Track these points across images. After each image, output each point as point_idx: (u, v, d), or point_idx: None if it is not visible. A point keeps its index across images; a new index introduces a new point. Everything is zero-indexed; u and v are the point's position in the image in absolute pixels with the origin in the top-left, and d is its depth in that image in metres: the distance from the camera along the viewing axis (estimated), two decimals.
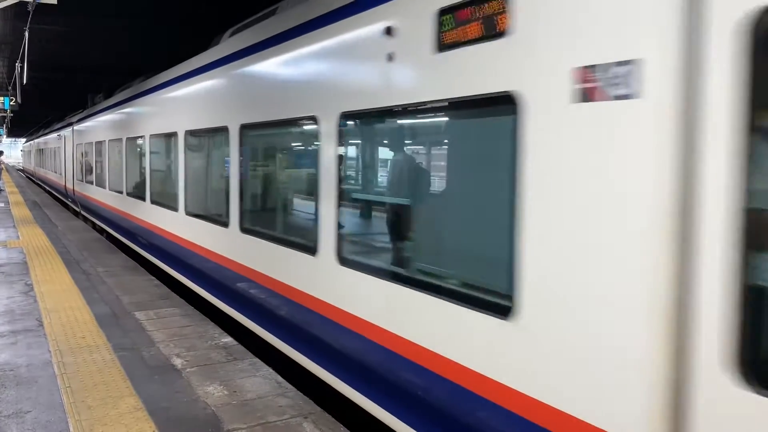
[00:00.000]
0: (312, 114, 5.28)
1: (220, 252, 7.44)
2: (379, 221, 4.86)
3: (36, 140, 44.81)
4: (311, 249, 5.27)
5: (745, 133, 2.25)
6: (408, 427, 4.12)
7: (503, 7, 3.19)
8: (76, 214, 21.26)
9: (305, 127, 5.73)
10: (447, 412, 3.69)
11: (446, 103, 3.77)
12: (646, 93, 2.51)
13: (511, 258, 3.18)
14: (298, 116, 5.61)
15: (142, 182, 11.24)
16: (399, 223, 4.55)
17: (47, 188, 34.09)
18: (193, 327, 7.19)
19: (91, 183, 16.88)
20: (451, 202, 4.07)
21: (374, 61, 4.41)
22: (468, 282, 3.73)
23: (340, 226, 4.88)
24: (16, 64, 17.29)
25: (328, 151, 5.03)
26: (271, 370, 5.82)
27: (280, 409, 4.91)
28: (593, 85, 2.71)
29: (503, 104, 3.19)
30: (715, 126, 2.31)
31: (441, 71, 3.68)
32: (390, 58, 4.20)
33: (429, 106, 3.91)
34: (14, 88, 22.68)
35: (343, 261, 4.80)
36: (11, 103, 25.86)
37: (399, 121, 4.60)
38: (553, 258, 2.93)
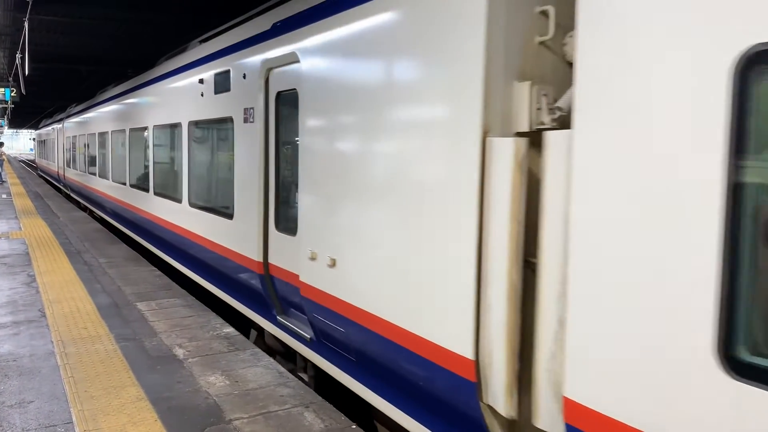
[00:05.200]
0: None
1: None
2: None
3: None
4: None
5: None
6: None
7: None
8: None
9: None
10: None
11: None
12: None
13: None
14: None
15: None
16: None
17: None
18: (194, 317, 7.22)
19: None
20: None
21: None
22: None
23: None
24: (17, 55, 17.22)
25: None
26: (272, 360, 5.85)
27: (281, 399, 4.93)
28: None
29: None
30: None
31: None
32: None
33: None
34: (15, 80, 22.40)
35: None
36: (12, 94, 25.77)
37: None
38: None
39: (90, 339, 6.34)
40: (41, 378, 5.31)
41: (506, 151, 3.20)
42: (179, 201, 8.92)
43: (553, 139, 3.00)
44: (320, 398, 4.98)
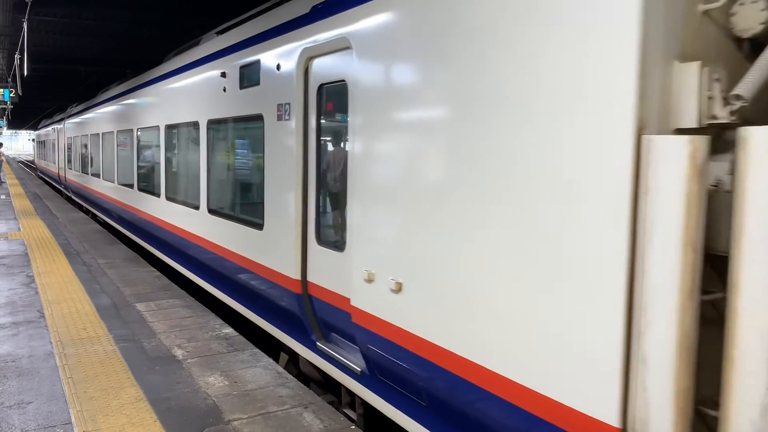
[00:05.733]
0: None
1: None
2: None
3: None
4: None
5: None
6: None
7: None
8: None
9: None
10: None
11: None
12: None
13: None
14: None
15: None
16: None
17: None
18: (193, 318, 7.22)
19: None
20: None
21: None
22: None
23: None
24: (15, 55, 17.21)
25: None
26: (271, 360, 5.85)
27: (280, 400, 4.93)
28: None
29: None
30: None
31: None
32: None
33: None
34: (14, 80, 22.36)
35: None
36: (11, 95, 25.75)
37: None
38: None
39: (89, 340, 6.34)
40: (40, 379, 5.31)
41: (678, 154, 2.41)
42: (196, 207, 8.14)
43: (762, 137, 2.24)
44: (319, 399, 4.97)
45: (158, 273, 9.75)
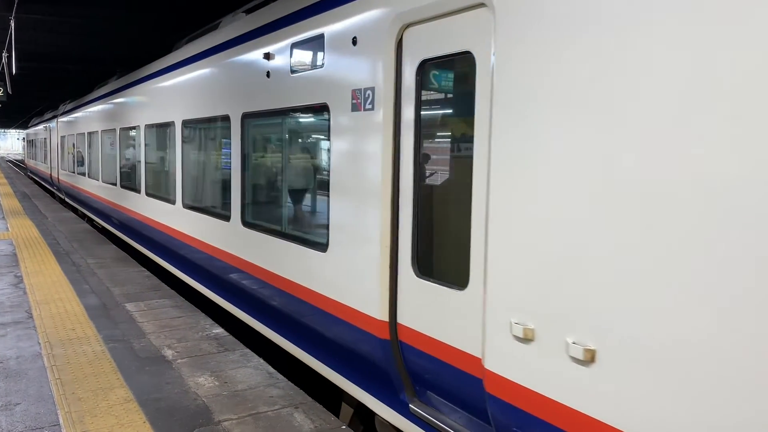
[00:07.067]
0: None
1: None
2: None
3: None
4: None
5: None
6: None
7: None
8: None
9: None
10: None
11: None
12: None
13: None
14: None
15: None
16: None
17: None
18: (184, 318, 7.18)
19: None
20: None
21: None
22: None
23: None
24: (3, 54, 17.06)
25: None
26: (262, 360, 5.83)
27: (271, 400, 4.91)
28: None
29: None
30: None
31: None
32: None
33: None
34: (2, 79, 22.18)
35: None
36: None
37: None
38: None
39: (78, 340, 6.29)
40: (28, 380, 5.26)
41: None
42: (225, 218, 6.89)
43: None
44: (310, 399, 4.96)
45: (148, 273, 9.69)
